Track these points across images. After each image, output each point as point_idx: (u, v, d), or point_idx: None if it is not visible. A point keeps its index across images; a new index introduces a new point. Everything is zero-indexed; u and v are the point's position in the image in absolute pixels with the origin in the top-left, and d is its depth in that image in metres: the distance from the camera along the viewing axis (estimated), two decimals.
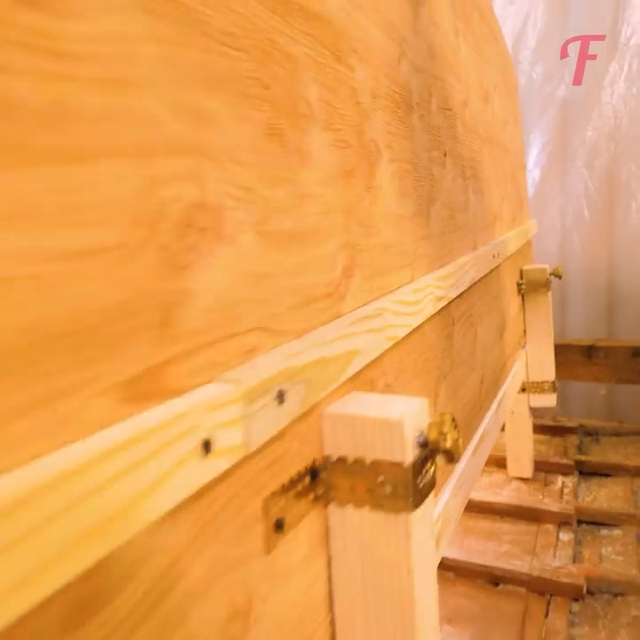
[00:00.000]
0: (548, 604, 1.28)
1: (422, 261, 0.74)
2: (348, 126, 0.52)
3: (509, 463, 1.79)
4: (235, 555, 0.36)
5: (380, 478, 0.45)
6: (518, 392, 1.68)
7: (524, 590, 1.32)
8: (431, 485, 0.48)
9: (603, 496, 1.67)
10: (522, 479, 1.76)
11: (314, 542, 0.46)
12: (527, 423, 1.76)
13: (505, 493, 1.69)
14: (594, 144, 2.01)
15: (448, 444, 0.45)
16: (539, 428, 2.02)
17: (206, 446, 0.30)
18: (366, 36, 0.57)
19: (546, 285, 1.66)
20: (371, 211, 0.57)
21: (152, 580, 0.29)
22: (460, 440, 0.46)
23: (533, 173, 2.07)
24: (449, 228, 0.88)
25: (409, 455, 0.44)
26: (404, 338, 0.63)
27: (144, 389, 0.28)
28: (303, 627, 0.44)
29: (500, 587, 1.34)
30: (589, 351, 2.01)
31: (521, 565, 1.35)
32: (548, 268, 1.68)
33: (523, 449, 1.77)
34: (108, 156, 0.26)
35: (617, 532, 1.51)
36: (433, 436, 0.46)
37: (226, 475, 0.33)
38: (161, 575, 0.30)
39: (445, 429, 0.45)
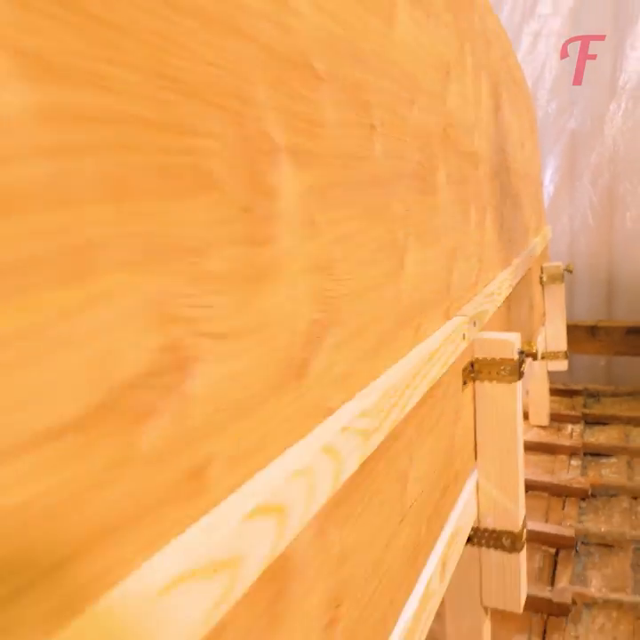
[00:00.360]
0: (564, 501, 1.82)
1: (499, 265, 1.27)
2: (479, 201, 1.06)
3: (531, 415, 2.32)
4: (457, 379, 0.89)
5: (503, 366, 0.99)
6: (539, 359, 2.21)
7: (546, 494, 1.86)
8: (523, 372, 1.01)
9: (602, 437, 2.21)
10: (541, 426, 2.30)
11: (470, 399, 0.99)
12: (545, 383, 2.29)
13: (528, 435, 2.23)
14: (597, 166, 2.54)
15: (534, 350, 0.99)
16: (553, 391, 2.55)
17: (464, 336, 0.83)
18: (483, 150, 1.10)
19: (560, 278, 2.19)
20: (483, 241, 1.11)
21: (441, 395, 0.83)
22: (538, 350, 1.00)
23: (548, 189, 2.60)
24: (508, 243, 1.41)
25: (516, 355, 0.98)
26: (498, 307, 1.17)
27: (445, 315, 0.82)
28: (467, 439, 0.98)
29: (529, 492, 1.88)
30: (592, 330, 2.55)
31: (543, 477, 1.89)
32: (561, 264, 2.21)
33: (541, 403, 2.31)
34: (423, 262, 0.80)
35: (613, 459, 2.04)
36: (526, 347, 0.99)
37: (461, 353, 0.87)
38: (443, 392, 0.83)
39: (532, 344, 0.99)
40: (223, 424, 0.33)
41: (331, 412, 0.46)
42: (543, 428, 2.30)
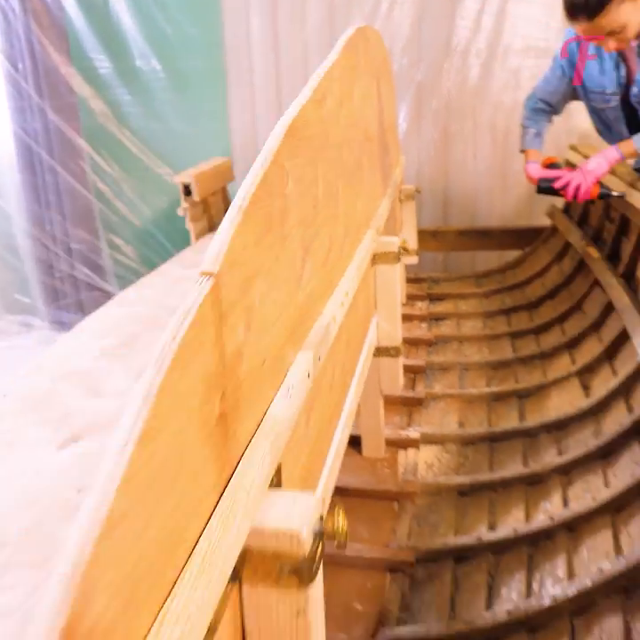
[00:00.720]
0: (417, 348, 2.76)
1: (382, 195, 2.07)
2: (374, 162, 1.83)
3: None
4: (368, 265, 1.70)
5: (391, 255, 1.81)
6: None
7: (406, 344, 2.79)
8: (400, 258, 1.84)
9: (441, 307, 3.18)
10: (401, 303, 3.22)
11: (373, 275, 1.81)
12: (402, 273, 3.20)
13: None
14: (436, 111, 3.39)
15: (406, 246, 1.82)
16: (408, 279, 3.47)
17: (373, 240, 1.64)
18: (374, 129, 1.86)
19: (412, 197, 3.05)
20: (375, 183, 1.89)
21: (364, 272, 1.63)
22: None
23: (402, 127, 3.42)
24: (385, 180, 2.21)
25: (397, 249, 1.80)
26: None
27: (366, 229, 1.61)
28: (372, 296, 1.80)
29: None
30: (434, 234, 3.49)
31: (404, 334, 2.81)
32: (413, 186, 3.07)
33: (400, 287, 3.22)
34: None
35: (448, 321, 3.02)
36: (401, 245, 1.82)
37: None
38: (364, 271, 1.63)
39: (405, 243, 1.82)
40: (320, 292, 1.10)
41: (342, 275, 1.24)
42: (402, 305, 3.22)
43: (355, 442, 2.07)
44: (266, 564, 0.60)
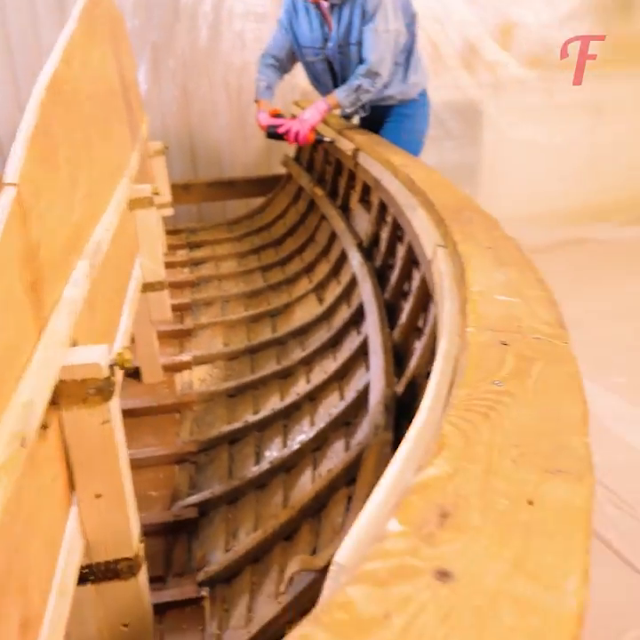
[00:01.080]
0: (182, 289, 3.05)
1: (132, 148, 2.29)
2: (120, 116, 2.05)
3: None
4: (126, 207, 1.95)
5: (145, 200, 2.06)
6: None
7: (170, 288, 3.06)
8: (153, 204, 2.11)
9: (200, 254, 3.48)
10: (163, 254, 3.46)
11: (133, 216, 2.05)
12: (160, 226, 3.43)
13: None
14: (174, 70, 3.61)
15: (157, 192, 2.09)
16: (166, 232, 3.71)
17: (129, 187, 1.88)
18: (117, 86, 2.08)
19: (162, 153, 3.27)
20: (125, 137, 2.12)
21: (125, 212, 1.87)
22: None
23: (143, 86, 3.59)
24: (134, 134, 2.42)
25: (150, 194, 2.06)
26: None
27: (120, 175, 1.85)
28: (134, 232, 2.06)
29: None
30: (185, 187, 3.75)
31: (168, 279, 3.08)
32: (161, 143, 3.29)
33: (159, 240, 3.45)
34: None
35: (207, 264, 3.34)
36: (153, 191, 2.09)
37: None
38: (123, 212, 1.88)
39: (156, 190, 2.09)
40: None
41: (104, 211, 1.48)
42: (164, 254, 3.46)
43: (135, 372, 2.33)
44: (77, 390, 0.88)
